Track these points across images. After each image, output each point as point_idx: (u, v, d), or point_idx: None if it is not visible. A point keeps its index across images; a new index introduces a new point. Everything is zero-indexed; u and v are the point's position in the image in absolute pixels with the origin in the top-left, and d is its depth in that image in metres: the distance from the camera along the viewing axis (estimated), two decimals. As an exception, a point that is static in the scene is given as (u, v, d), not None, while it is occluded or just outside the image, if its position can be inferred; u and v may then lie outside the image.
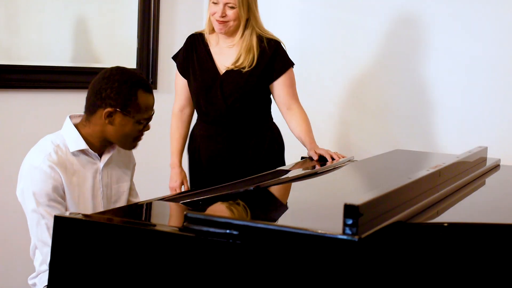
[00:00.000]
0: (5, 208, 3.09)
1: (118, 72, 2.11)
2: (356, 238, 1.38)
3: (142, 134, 2.18)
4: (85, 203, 2.13)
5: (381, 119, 3.37)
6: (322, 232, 1.41)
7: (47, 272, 2.07)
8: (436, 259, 1.60)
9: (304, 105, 2.80)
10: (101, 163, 2.19)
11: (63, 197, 2.08)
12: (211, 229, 1.51)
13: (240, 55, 2.69)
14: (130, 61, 3.63)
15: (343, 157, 2.60)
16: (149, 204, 1.93)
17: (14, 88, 3.17)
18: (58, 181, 2.05)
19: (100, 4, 3.50)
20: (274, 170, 2.39)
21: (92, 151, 2.15)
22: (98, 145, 2.16)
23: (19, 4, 3.17)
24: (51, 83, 3.28)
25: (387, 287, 1.55)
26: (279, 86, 2.74)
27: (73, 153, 2.12)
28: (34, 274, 2.19)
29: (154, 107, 2.17)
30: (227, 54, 2.74)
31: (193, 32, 2.84)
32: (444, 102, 3.16)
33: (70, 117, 2.18)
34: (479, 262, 1.63)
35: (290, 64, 2.75)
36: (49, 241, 2.01)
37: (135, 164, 2.37)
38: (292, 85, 2.77)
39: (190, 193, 2.07)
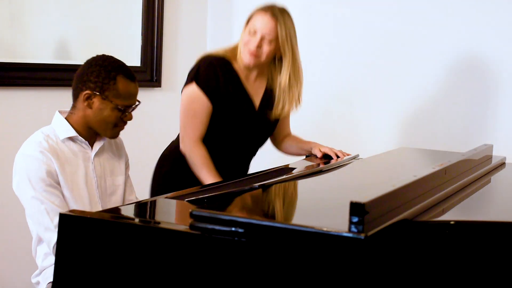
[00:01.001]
0: (5, 207, 3.09)
1: (102, 58, 2.14)
2: (362, 236, 1.37)
3: (124, 123, 2.18)
4: (79, 191, 2.14)
5: (386, 116, 3.37)
6: (328, 230, 1.41)
7: (51, 268, 2.08)
8: (443, 257, 1.60)
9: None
10: (92, 152, 2.20)
11: (58, 182, 2.09)
12: (216, 227, 1.50)
13: (284, 106, 2.56)
14: (134, 59, 3.63)
15: (347, 155, 2.59)
16: (153, 202, 1.92)
17: (20, 86, 3.18)
18: (50, 166, 2.07)
19: (104, 2, 3.50)
20: (279, 167, 2.39)
21: (82, 138, 2.17)
22: (86, 133, 2.18)
23: (24, 3, 3.17)
24: (55, 80, 3.28)
25: (393, 286, 1.55)
26: (284, 120, 2.73)
27: (64, 141, 2.14)
28: (37, 272, 2.19)
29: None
30: (255, 88, 2.58)
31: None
32: (449, 99, 3.15)
33: (60, 112, 2.20)
34: (486, 261, 1.63)
35: None
36: (50, 225, 2.04)
37: (128, 159, 2.37)
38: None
39: (195, 191, 2.07)
